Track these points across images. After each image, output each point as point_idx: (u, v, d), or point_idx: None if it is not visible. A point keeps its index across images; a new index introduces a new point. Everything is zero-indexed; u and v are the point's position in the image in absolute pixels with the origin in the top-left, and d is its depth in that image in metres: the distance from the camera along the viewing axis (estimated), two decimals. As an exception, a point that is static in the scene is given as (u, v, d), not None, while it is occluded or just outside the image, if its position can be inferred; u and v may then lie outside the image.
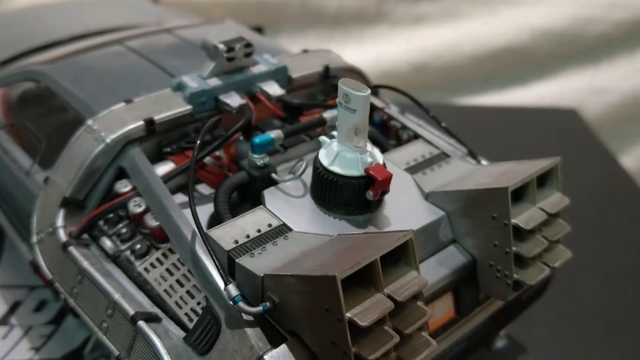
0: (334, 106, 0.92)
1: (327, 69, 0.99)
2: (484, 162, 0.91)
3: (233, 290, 0.65)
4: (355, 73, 1.03)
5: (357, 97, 0.71)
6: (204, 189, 0.85)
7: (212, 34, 0.89)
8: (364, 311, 0.59)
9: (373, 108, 1.00)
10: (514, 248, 0.73)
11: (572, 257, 0.78)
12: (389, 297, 0.61)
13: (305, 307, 0.62)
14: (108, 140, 0.80)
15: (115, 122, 0.82)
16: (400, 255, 0.64)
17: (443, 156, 0.89)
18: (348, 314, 0.58)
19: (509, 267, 0.74)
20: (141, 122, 0.81)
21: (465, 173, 0.85)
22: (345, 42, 2.30)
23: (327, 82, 1.01)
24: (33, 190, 0.89)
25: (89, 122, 0.83)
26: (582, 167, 1.58)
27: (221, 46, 0.86)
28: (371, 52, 2.24)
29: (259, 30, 1.32)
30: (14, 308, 1.07)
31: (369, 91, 0.70)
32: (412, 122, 0.98)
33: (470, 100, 2.24)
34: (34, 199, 0.87)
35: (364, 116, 0.72)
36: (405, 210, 0.78)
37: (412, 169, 0.85)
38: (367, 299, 0.60)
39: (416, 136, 0.95)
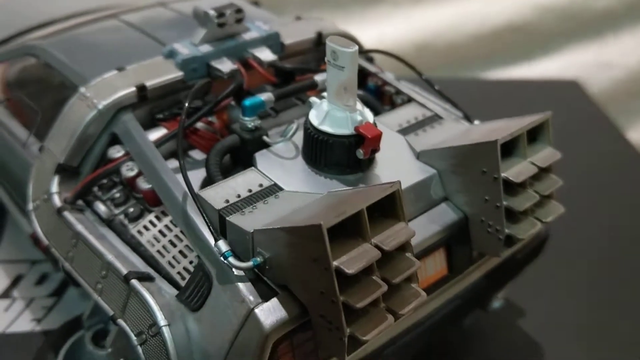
0: (323, 71, 0.92)
1: (319, 35, 0.99)
2: (476, 122, 0.91)
3: (223, 246, 0.66)
4: (348, 39, 1.03)
5: (344, 54, 0.71)
6: (196, 154, 0.86)
7: (204, 2, 0.89)
8: (351, 260, 0.59)
9: (367, 74, 1.00)
10: (504, 202, 0.73)
11: (565, 213, 0.78)
12: (376, 246, 0.61)
13: (293, 260, 0.62)
14: (100, 106, 0.81)
15: (107, 89, 0.82)
16: (388, 208, 0.65)
17: (436, 118, 0.89)
18: (335, 263, 0.58)
19: (500, 222, 0.74)
20: (133, 89, 0.82)
21: (458, 133, 0.85)
22: (347, 23, 2.29)
23: (320, 49, 1.01)
24: (30, 161, 0.90)
25: (82, 89, 0.83)
26: (584, 137, 1.58)
27: (212, 12, 0.87)
28: (373, 32, 2.23)
29: (255, 3, 1.32)
30: (15, 282, 1.08)
31: (357, 47, 0.71)
32: (407, 88, 0.98)
33: (472, 77, 2.23)
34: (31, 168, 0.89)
35: (353, 73, 0.72)
36: (396, 169, 0.79)
37: (405, 131, 0.85)
38: (354, 248, 0.61)
39: (410, 101, 0.95)
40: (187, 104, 0.77)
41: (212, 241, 0.68)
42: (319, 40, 1.00)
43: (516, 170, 0.73)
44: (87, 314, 0.86)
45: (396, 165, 0.79)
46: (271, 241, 0.64)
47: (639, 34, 2.23)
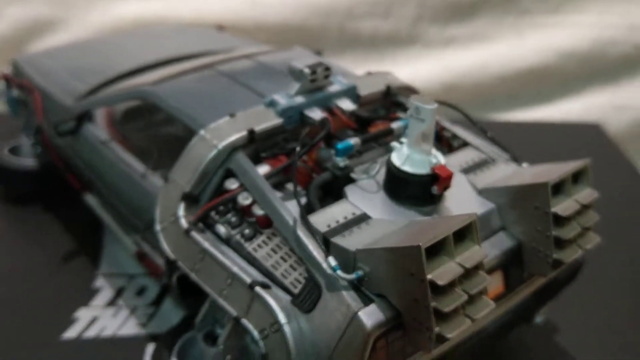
0: (396, 119, 1.10)
1: (388, 88, 1.17)
2: (524, 165, 1.09)
3: (332, 261, 0.83)
4: (411, 91, 1.21)
5: (426, 110, 0.89)
6: (290, 186, 1.03)
7: (297, 60, 1.08)
8: (441, 274, 0.76)
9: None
10: (553, 232, 0.90)
11: (601, 243, 0.95)
12: (459, 264, 0.78)
13: (391, 273, 0.79)
14: (220, 147, 0.98)
15: (223, 132, 1.00)
16: (465, 234, 0.82)
17: (490, 160, 1.07)
18: (429, 276, 0.75)
19: (550, 248, 0.91)
20: (245, 132, 1.00)
21: (510, 174, 1.02)
22: (380, 63, 2.46)
23: (387, 99, 1.19)
24: (149, 189, 1.08)
25: (202, 132, 1.01)
26: (605, 178, 1.74)
27: (306, 70, 1.05)
28: (404, 72, 2.36)
29: (318, 54, 1.51)
30: (119, 292, 1.25)
31: (436, 105, 0.89)
32: (461, 132, 1.15)
33: (497, 116, 2.37)
34: (151, 196, 1.07)
35: (432, 125, 0.90)
36: (462, 203, 0.96)
37: (465, 171, 1.03)
38: (442, 265, 0.78)
39: (464, 144, 1.13)
40: (298, 148, 0.94)
41: (320, 258, 0.85)
42: (388, 92, 1.18)
43: (563, 206, 0.91)
44: (200, 318, 1.02)
45: (461, 199, 0.97)
46: (372, 258, 0.81)
47: (652, 79, 2.40)
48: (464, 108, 1.14)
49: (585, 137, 1.97)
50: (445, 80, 2.37)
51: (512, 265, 0.96)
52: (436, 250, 0.79)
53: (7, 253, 1.35)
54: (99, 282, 1.27)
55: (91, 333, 1.16)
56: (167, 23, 1.97)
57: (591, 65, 2.35)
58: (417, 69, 2.40)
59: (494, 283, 0.95)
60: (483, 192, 0.98)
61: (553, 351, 1.17)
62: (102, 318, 1.19)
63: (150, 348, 1.13)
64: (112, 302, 1.23)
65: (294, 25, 2.28)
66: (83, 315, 1.19)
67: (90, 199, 1.31)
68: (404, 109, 1.17)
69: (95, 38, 1.68)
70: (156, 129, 1.32)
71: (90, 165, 1.24)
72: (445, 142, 1.17)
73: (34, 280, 1.27)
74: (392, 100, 1.19)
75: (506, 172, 1.03)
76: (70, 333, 1.16)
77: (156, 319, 1.19)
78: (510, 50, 2.36)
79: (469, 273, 0.80)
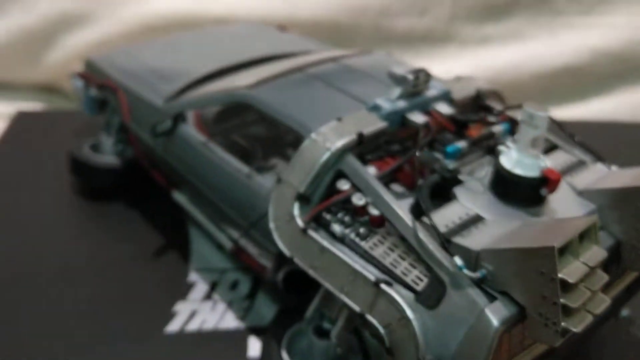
0: (491, 123, 1.16)
1: (479, 92, 1.22)
2: (613, 167, 1.14)
3: (459, 260, 0.88)
4: (497, 95, 1.26)
5: (540, 117, 0.94)
6: (396, 187, 1.08)
7: (395, 66, 1.13)
8: (570, 272, 0.82)
9: (517, 122, 1.23)
10: (656, 231, 0.96)
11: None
12: (584, 263, 0.84)
13: (518, 272, 0.84)
14: (332, 149, 1.04)
15: (334, 135, 1.05)
16: (585, 235, 0.87)
17: (581, 163, 1.12)
18: (560, 275, 0.81)
19: (651, 247, 0.97)
20: (354, 136, 1.05)
21: (605, 176, 1.08)
22: (415, 62, 2.49)
23: (476, 103, 1.24)
24: (256, 189, 1.14)
25: (313, 135, 1.06)
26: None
27: (409, 76, 1.10)
28: (440, 70, 2.40)
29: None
30: (213, 287, 1.31)
31: (549, 113, 0.94)
32: (551, 136, 1.20)
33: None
34: (257, 195, 1.12)
35: (543, 131, 0.95)
36: (565, 204, 1.01)
37: (561, 173, 1.08)
38: (569, 264, 0.83)
39: (552, 147, 1.18)
40: (418, 153, 1.00)
41: (442, 257, 0.90)
42: (478, 96, 1.23)
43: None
44: (310, 313, 1.08)
45: (564, 201, 1.02)
46: (497, 258, 0.86)
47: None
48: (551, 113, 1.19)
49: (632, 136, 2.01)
50: (480, 78, 2.41)
51: (611, 262, 1.01)
52: (562, 250, 0.84)
53: (95, 248, 1.40)
54: (193, 276, 1.33)
55: (193, 326, 1.21)
56: (233, 21, 2.01)
57: (624, 64, 2.40)
58: (452, 67, 2.40)
59: (597, 280, 1.01)
60: (583, 194, 1.04)
61: (629, 343, 1.23)
62: (201, 311, 1.24)
63: (252, 341, 1.19)
64: (208, 296, 1.28)
65: (326, 21, 2.31)
66: (182, 308, 1.25)
67: (179, 196, 1.37)
68: (492, 112, 1.22)
69: (169, 37, 1.72)
70: (250, 130, 1.37)
71: (187, 165, 1.29)
72: (531, 144, 1.22)
73: (127, 277, 1.32)
74: (480, 103, 1.24)
75: (599, 174, 1.09)
76: (173, 326, 1.21)
77: (252, 312, 1.25)
78: (545, 49, 2.41)
79: (590, 271, 0.85)
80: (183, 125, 1.31)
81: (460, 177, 1.03)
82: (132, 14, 2.21)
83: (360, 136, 1.06)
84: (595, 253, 0.86)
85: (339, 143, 1.05)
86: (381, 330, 0.92)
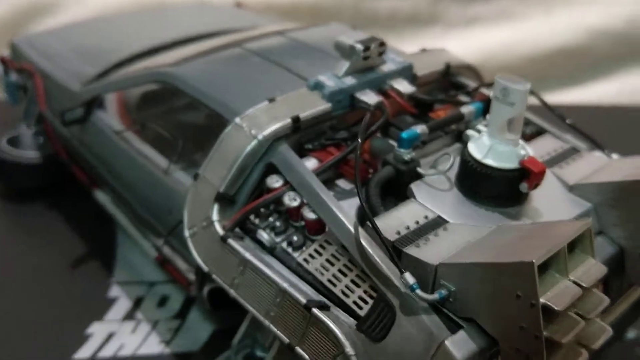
0: (463, 102, 0.94)
1: (448, 66, 1.01)
2: (614, 156, 0.93)
3: (410, 278, 0.67)
4: (472, 70, 1.05)
5: (516, 91, 0.73)
6: (342, 183, 0.88)
7: (344, 35, 0.92)
8: (556, 297, 0.61)
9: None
10: (667, 236, 0.75)
11: None
12: (575, 282, 0.63)
13: (487, 294, 0.64)
14: (260, 137, 0.83)
15: (263, 120, 0.84)
16: (576, 244, 0.66)
17: (574, 151, 0.91)
18: (542, 299, 0.60)
19: (662, 256, 0.76)
20: (289, 120, 0.84)
21: (603, 166, 0.86)
22: (399, 45, 2.32)
23: (445, 79, 1.03)
24: (173, 187, 0.93)
25: (237, 120, 0.85)
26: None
27: (358, 46, 0.89)
28: None
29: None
30: (137, 303, 1.10)
31: (529, 85, 0.73)
32: (538, 119, 1.00)
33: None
34: (175, 195, 0.91)
35: (522, 109, 0.74)
36: (552, 202, 0.81)
37: (549, 163, 0.87)
38: (555, 285, 0.62)
39: (539, 132, 0.97)
40: (359, 140, 0.78)
41: (391, 273, 0.69)
42: (447, 71, 1.02)
43: (681, 204, 0.75)
44: (239, 338, 0.87)
45: (551, 198, 0.81)
46: (460, 275, 0.66)
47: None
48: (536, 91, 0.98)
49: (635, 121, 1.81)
50: (470, 61, 2.24)
51: (613, 276, 0.80)
52: (545, 266, 0.63)
53: (9, 258, 1.20)
54: (114, 291, 1.12)
55: (107, 352, 1.01)
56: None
57: (625, 44, 2.20)
58: None
59: (593, 298, 0.80)
60: (575, 189, 0.83)
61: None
62: (119, 334, 1.04)
63: (176, 370, 0.98)
64: (130, 315, 1.07)
65: (307, 4, 2.18)
66: (97, 330, 1.05)
67: (101, 196, 1.16)
68: (466, 91, 1.02)
69: (103, 17, 1.52)
70: (179, 117, 1.16)
71: (101, 158, 1.09)
72: (515, 129, 1.01)
73: (40, 290, 1.12)
74: (451, 80, 1.03)
75: (597, 165, 0.88)
76: (84, 352, 1.01)
77: (182, 334, 1.04)
78: (538, 29, 2.22)
79: (584, 293, 0.65)
80: (98, 112, 1.10)
81: (420, 170, 0.82)
82: (102, 1, 2.05)
83: (296, 120, 0.85)
84: (591, 268, 0.65)
85: (269, 129, 0.84)
86: (316, 370, 0.72)
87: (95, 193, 1.17)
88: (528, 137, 0.97)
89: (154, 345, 1.02)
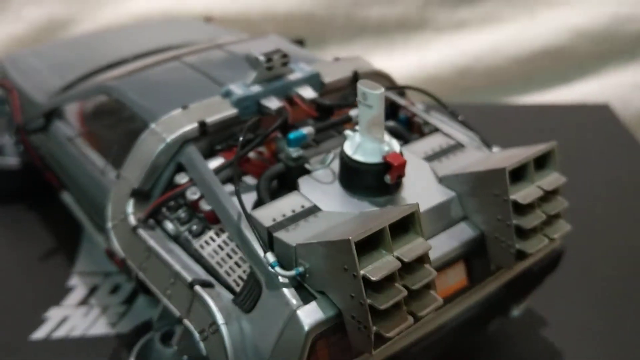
0: (355, 106, 1.05)
1: (356, 74, 1.12)
2: (495, 149, 1.02)
3: (270, 257, 0.79)
4: (382, 76, 1.15)
5: (372, 95, 0.83)
6: (249, 180, 0.99)
7: (256, 48, 1.03)
8: (375, 269, 0.71)
9: (398, 106, 1.12)
10: (514, 221, 0.84)
11: (571, 230, 0.89)
12: (398, 258, 0.73)
13: (329, 269, 0.75)
14: (168, 140, 0.95)
15: (174, 125, 0.97)
16: (410, 226, 0.77)
17: (459, 146, 1.01)
18: (362, 271, 0.70)
19: (511, 238, 0.85)
20: (195, 124, 0.96)
21: (477, 160, 0.96)
22: (391, 50, 2.41)
23: (356, 86, 1.13)
24: (108, 186, 1.06)
25: (152, 125, 0.98)
26: (614, 160, 1.65)
27: (261, 57, 1.01)
28: (415, 58, 2.34)
29: (300, 42, 1.46)
30: (92, 291, 1.23)
31: (383, 89, 0.83)
32: (434, 119, 1.09)
33: (512, 100, 2.29)
34: (109, 193, 1.04)
35: (380, 111, 0.84)
36: (420, 192, 0.90)
37: (430, 158, 0.97)
38: (379, 259, 0.73)
39: (436, 130, 1.07)
40: (241, 138, 0.90)
41: (261, 254, 0.81)
42: (355, 78, 1.12)
43: (524, 193, 0.84)
44: (157, 317, 0.99)
45: (420, 189, 0.91)
46: (310, 253, 0.77)
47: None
48: (433, 92, 1.08)
49: (594, 118, 1.87)
50: (458, 64, 2.31)
51: (475, 257, 0.90)
52: (374, 243, 0.74)
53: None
54: (73, 280, 1.26)
55: (60, 333, 1.14)
56: (159, 17, 1.96)
57: (608, 44, 2.25)
58: (429, 54, 2.35)
59: (456, 276, 0.89)
60: (444, 180, 0.92)
61: (538, 344, 1.10)
62: (73, 317, 1.17)
63: (116, 349, 1.11)
64: (84, 301, 1.21)
65: (301, 15, 2.27)
66: (54, 314, 1.18)
67: (67, 197, 1.30)
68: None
69: (84, 34, 1.67)
70: (122, 125, 1.29)
71: (59, 163, 1.23)
72: (416, 128, 1.11)
73: (7, 280, 1.26)
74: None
75: (475, 158, 0.97)
76: (39, 333, 1.14)
77: (127, 318, 1.17)
78: (523, 31, 2.28)
79: (411, 267, 0.75)
80: (57, 122, 1.24)
81: (307, 166, 0.93)
82: (114, 16, 2.19)
83: (203, 125, 0.97)
84: (417, 246, 0.75)
85: (177, 133, 0.96)
86: (196, 336, 0.83)
87: (62, 194, 1.31)
88: (426, 135, 1.07)
89: (101, 327, 1.15)
